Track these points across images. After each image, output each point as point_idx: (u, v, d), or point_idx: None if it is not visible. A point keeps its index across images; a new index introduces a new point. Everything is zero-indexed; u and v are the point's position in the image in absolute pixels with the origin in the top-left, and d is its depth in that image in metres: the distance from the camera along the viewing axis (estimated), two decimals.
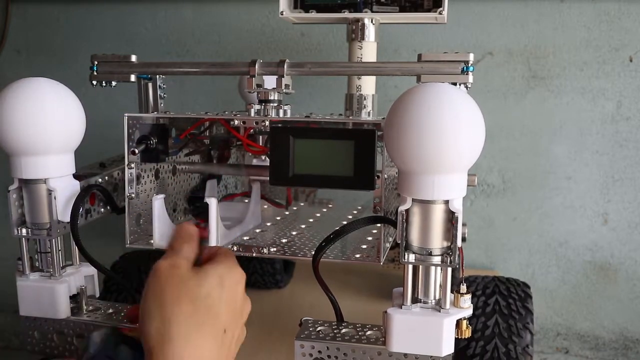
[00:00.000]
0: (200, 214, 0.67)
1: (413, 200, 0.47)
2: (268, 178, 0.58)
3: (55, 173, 0.58)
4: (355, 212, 0.81)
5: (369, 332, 0.52)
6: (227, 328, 0.42)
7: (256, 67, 0.60)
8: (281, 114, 0.60)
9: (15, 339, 1.28)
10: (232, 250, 0.61)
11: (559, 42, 1.06)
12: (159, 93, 0.69)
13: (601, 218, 1.09)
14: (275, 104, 0.61)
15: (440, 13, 0.72)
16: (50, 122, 0.55)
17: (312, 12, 0.76)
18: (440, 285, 0.49)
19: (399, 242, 0.48)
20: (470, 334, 0.49)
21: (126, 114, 0.61)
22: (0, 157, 0.61)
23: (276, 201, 0.82)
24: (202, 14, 1.19)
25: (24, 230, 0.60)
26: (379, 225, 0.62)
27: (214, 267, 0.43)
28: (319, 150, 0.55)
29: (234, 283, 0.43)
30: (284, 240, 0.65)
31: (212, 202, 0.60)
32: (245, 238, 0.67)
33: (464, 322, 0.48)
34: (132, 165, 0.63)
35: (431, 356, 0.48)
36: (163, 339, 0.39)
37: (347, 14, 0.74)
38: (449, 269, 0.48)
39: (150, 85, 0.69)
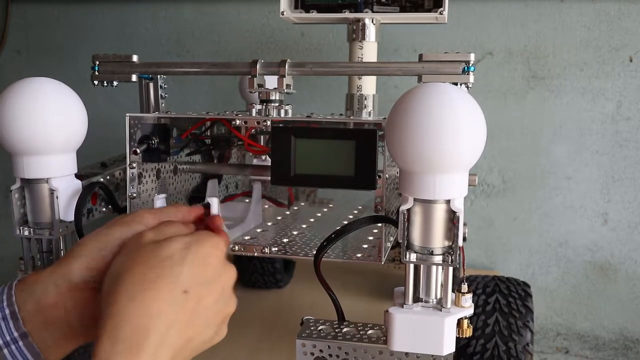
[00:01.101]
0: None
1: (414, 199, 0.47)
2: (269, 178, 0.58)
3: (57, 173, 0.58)
4: (356, 211, 0.81)
5: (370, 331, 0.52)
6: (189, 289, 0.39)
7: (257, 67, 0.60)
8: (282, 114, 0.61)
9: None
10: (233, 249, 0.61)
11: (559, 42, 1.06)
12: (160, 93, 0.69)
13: (601, 218, 1.09)
14: (277, 104, 0.61)
15: (440, 13, 0.72)
16: (52, 122, 0.56)
17: (312, 12, 0.76)
18: (442, 285, 0.49)
19: (400, 241, 0.48)
20: (471, 333, 0.49)
21: (128, 114, 0.62)
22: (2, 157, 0.61)
23: (278, 200, 0.82)
24: (202, 14, 1.19)
25: (26, 230, 0.60)
26: (380, 224, 0.62)
27: (182, 236, 0.41)
28: (320, 150, 0.56)
29: (202, 251, 0.41)
30: (285, 240, 0.65)
31: (214, 202, 0.60)
32: (246, 237, 0.67)
33: (465, 321, 0.48)
34: (134, 165, 0.63)
35: (432, 355, 0.48)
36: (109, 300, 0.37)
37: (347, 14, 0.74)
38: (450, 269, 0.48)
39: (151, 85, 0.69)
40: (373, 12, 0.74)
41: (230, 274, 0.43)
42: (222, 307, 0.42)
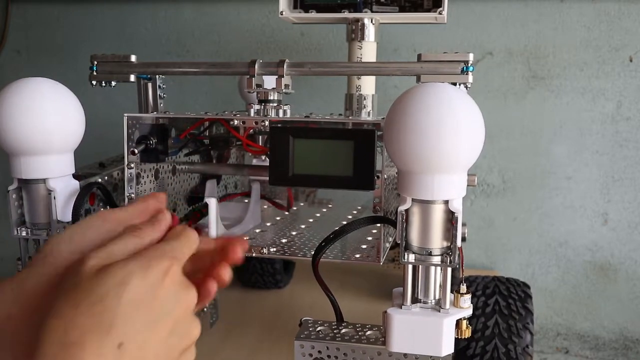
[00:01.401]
0: (192, 216, 0.66)
1: (413, 200, 0.47)
2: (268, 178, 0.58)
3: (54, 173, 0.58)
4: (354, 212, 0.81)
5: (368, 332, 0.52)
6: (126, 340, 0.31)
7: (256, 67, 0.60)
8: (281, 114, 0.60)
9: None
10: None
11: (559, 42, 1.06)
12: (158, 93, 0.69)
13: (601, 218, 1.09)
14: (275, 104, 0.61)
15: (440, 13, 0.72)
16: (50, 122, 0.55)
17: (312, 12, 0.76)
18: (440, 285, 0.49)
19: (399, 242, 0.48)
20: (470, 334, 0.49)
21: (126, 114, 0.61)
22: (1, 157, 0.61)
23: (277, 202, 0.82)
24: (202, 14, 1.19)
25: (23, 231, 0.60)
26: (378, 225, 0.62)
27: (124, 263, 0.32)
28: (319, 150, 0.55)
29: (146, 282, 0.32)
30: (283, 240, 0.65)
31: (212, 202, 0.60)
32: (245, 238, 0.67)
33: (464, 322, 0.48)
34: (132, 165, 0.62)
35: (431, 356, 0.48)
36: (33, 354, 0.30)
37: (346, 14, 0.74)
38: (449, 269, 0.48)
39: (149, 85, 0.68)
40: (372, 12, 0.74)
41: (187, 299, 0.35)
42: (178, 342, 0.34)
